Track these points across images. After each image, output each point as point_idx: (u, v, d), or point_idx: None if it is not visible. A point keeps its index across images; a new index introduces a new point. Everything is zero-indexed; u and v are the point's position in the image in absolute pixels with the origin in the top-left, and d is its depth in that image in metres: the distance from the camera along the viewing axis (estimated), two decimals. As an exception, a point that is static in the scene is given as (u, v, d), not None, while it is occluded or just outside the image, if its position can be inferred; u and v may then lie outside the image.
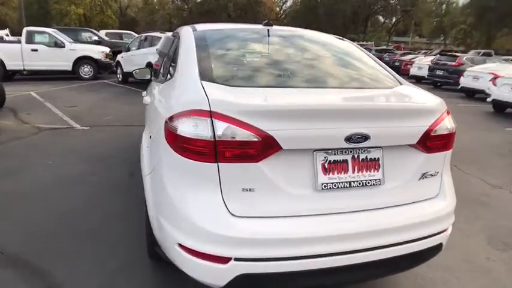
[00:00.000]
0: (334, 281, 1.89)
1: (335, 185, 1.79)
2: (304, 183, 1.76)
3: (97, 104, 8.86)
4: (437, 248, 2.07)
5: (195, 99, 1.73)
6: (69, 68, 12.84)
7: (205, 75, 1.98)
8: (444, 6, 45.34)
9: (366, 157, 1.84)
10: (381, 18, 52.79)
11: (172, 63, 2.62)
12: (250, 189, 1.68)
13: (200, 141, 1.64)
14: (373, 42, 43.51)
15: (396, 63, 23.54)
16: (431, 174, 2.03)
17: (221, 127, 1.62)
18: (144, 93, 3.95)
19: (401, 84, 2.37)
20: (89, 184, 3.98)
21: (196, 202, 1.71)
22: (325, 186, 1.77)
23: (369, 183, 1.85)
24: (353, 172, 1.82)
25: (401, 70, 21.60)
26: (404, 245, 1.87)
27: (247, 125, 1.62)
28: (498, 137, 7.44)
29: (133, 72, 4.46)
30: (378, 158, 1.86)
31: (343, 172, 1.80)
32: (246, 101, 1.73)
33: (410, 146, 1.94)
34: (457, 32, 42.85)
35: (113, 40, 16.83)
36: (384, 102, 2.05)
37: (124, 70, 12.50)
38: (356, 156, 1.82)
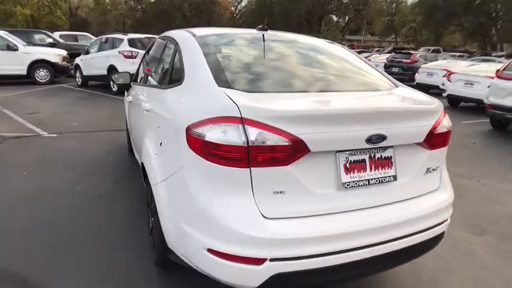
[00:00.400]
0: (360, 274, 2.00)
1: (356, 183, 1.89)
2: (328, 183, 1.84)
3: (60, 109, 8.49)
4: (441, 236, 2.22)
5: (223, 106, 1.76)
6: (24, 72, 12.16)
7: (221, 81, 2.01)
8: (394, 5, 47.32)
9: (381, 156, 1.95)
10: (335, 18, 54.12)
11: (172, 69, 2.60)
12: (280, 192, 1.74)
13: (232, 147, 1.67)
14: (328, 41, 44.41)
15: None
16: (433, 169, 2.18)
17: (254, 133, 1.66)
18: (129, 98, 3.87)
19: (397, 86, 2.51)
20: (73, 194, 3.83)
21: (228, 206, 1.74)
22: (347, 185, 1.87)
23: (384, 180, 1.96)
24: (370, 170, 1.92)
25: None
26: (417, 235, 2.01)
27: (279, 130, 1.68)
28: (456, 130, 7.89)
29: (113, 77, 4.37)
30: (391, 156, 1.98)
31: (362, 171, 1.90)
32: (275, 107, 1.77)
33: (417, 144, 2.08)
34: (408, 30, 44.89)
35: (68, 42, 16.11)
36: (396, 104, 2.17)
37: (84, 74, 12.07)
38: (372, 155, 1.93)
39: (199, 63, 2.22)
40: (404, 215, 1.97)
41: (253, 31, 2.83)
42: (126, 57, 10.37)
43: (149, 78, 3.25)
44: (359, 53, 27.36)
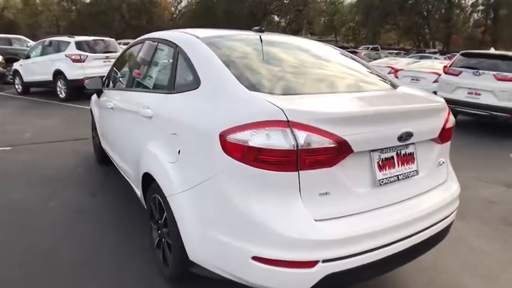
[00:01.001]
0: (398, 264, 2.05)
1: (388, 180, 1.94)
2: (364, 182, 1.88)
3: (5, 119, 7.81)
4: (451, 225, 2.33)
5: (267, 110, 1.70)
6: (-47, 81, 11.09)
7: (249, 85, 1.95)
8: (333, 5, 49.03)
9: (405, 152, 2.02)
10: (276, 18, 55.06)
11: (176, 73, 2.46)
12: (326, 193, 1.73)
13: (280, 151, 1.63)
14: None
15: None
16: (443, 162, 2.30)
17: (302, 136, 1.64)
18: (109, 104, 3.61)
19: (397, 85, 2.58)
20: (50, 212, 3.52)
21: (277, 211, 1.69)
22: (382, 182, 1.91)
23: (410, 174, 2.04)
24: (398, 167, 1.99)
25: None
26: (439, 223, 2.12)
27: (325, 132, 1.67)
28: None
29: (85, 83, 4.08)
30: (413, 152, 2.06)
31: (392, 167, 1.96)
32: (319, 109, 1.76)
33: (431, 139, 2.16)
34: (347, 29, 46.79)
35: (2, 46, 14.86)
36: (419, 104, 2.23)
37: (24, 80, 11.17)
38: (399, 152, 1.99)
39: (216, 66, 2.14)
40: (429, 206, 2.06)
41: (251, 32, 2.78)
42: (75, 61, 9.79)
43: (140, 82, 3.05)
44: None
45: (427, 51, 27.27)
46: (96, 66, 10.10)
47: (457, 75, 8.05)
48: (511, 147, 6.75)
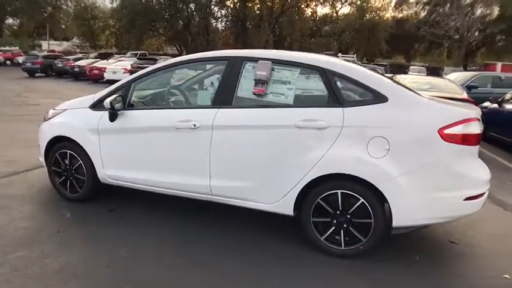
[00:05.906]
0: None
1: None
2: None
3: None
4: None
5: (467, 112, 3.03)
6: None
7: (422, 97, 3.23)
8: (90, 10, 46.50)
9: None
10: (18, 21, 48.06)
11: (339, 91, 3.10)
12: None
13: (478, 135, 3.00)
14: (17, 47, 39.72)
15: (76, 69, 23.02)
16: None
17: (481, 125, 3.06)
18: (185, 124, 3.34)
19: None
20: (138, 265, 2.99)
21: (476, 167, 3.09)
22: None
23: None
24: None
25: (88, 75, 21.90)
26: None
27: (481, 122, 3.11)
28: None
29: (109, 102, 3.51)
30: None
31: None
32: (473, 109, 3.38)
33: None
34: (109, 34, 45.26)
35: None
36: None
37: None
38: None
39: (390, 84, 3.27)
40: None
41: (326, 57, 3.73)
42: None
43: (263, 99, 3.24)
44: (76, 60, 25.03)
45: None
46: None
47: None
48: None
